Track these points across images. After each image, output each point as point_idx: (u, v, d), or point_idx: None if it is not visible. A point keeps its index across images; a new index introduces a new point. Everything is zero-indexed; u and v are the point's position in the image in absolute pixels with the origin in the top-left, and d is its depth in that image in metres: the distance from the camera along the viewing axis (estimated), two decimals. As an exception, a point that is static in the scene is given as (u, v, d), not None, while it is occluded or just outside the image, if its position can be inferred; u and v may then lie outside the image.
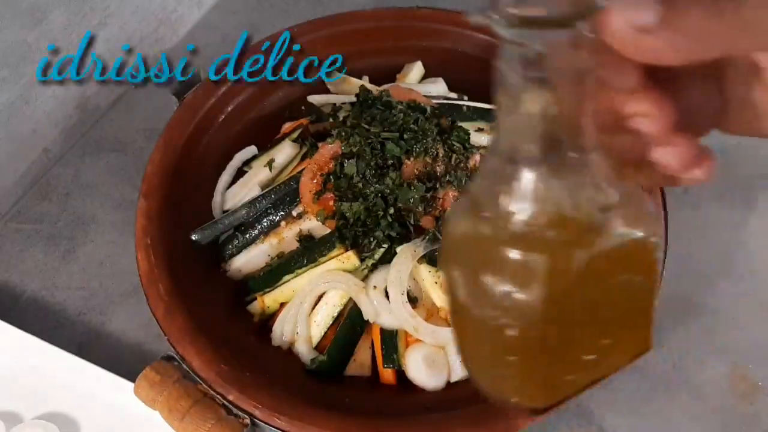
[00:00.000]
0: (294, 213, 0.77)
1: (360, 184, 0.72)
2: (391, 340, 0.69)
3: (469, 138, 0.78)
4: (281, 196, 0.77)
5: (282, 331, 0.72)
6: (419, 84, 0.92)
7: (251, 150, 0.86)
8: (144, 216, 0.73)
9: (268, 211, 0.77)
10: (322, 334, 0.71)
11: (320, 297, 0.72)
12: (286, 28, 0.89)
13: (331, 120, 0.84)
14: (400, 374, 0.69)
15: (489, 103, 0.88)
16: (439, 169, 0.73)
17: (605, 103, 0.28)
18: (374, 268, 0.71)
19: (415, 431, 0.61)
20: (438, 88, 0.90)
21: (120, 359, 0.78)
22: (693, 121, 0.31)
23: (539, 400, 0.32)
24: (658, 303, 0.36)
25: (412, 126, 0.74)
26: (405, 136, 0.73)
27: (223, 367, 0.63)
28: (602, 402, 0.75)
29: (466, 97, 0.90)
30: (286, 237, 0.76)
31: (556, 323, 0.29)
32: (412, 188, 0.71)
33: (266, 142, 0.86)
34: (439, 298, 0.69)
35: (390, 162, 0.72)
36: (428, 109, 0.78)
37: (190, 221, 0.77)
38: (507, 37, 0.25)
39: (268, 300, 0.74)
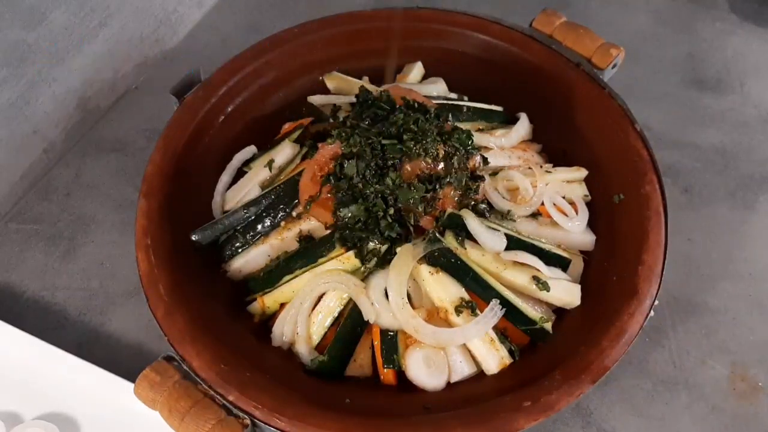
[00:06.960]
0: (294, 213, 0.77)
1: (360, 185, 0.72)
2: (391, 340, 0.69)
3: (469, 138, 0.78)
4: (281, 196, 0.77)
5: (282, 331, 0.72)
6: (419, 84, 0.92)
7: (251, 150, 0.86)
8: (144, 216, 0.73)
9: (268, 211, 0.77)
10: (322, 334, 0.71)
11: (320, 297, 0.72)
12: (283, 29, 0.90)
13: (331, 120, 0.84)
14: (400, 374, 0.69)
15: (489, 103, 0.88)
16: (440, 169, 0.73)
17: None
18: (374, 268, 0.71)
19: (415, 431, 0.61)
20: (438, 88, 0.90)
21: (120, 359, 0.78)
22: None
23: None
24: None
25: (412, 126, 0.73)
26: (405, 136, 0.73)
27: (223, 367, 0.63)
28: (602, 402, 0.76)
29: (466, 97, 0.90)
30: (286, 237, 0.76)
31: None
32: (413, 189, 0.71)
33: (266, 142, 0.86)
34: (439, 297, 0.69)
35: (390, 162, 0.72)
36: (429, 109, 0.78)
37: (190, 221, 0.77)
38: None
39: (268, 300, 0.74)
